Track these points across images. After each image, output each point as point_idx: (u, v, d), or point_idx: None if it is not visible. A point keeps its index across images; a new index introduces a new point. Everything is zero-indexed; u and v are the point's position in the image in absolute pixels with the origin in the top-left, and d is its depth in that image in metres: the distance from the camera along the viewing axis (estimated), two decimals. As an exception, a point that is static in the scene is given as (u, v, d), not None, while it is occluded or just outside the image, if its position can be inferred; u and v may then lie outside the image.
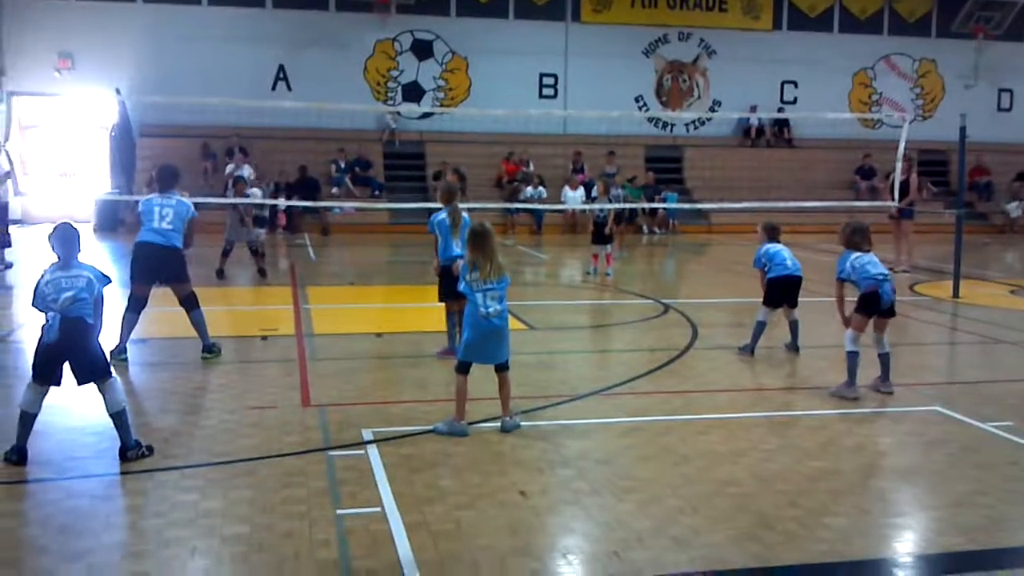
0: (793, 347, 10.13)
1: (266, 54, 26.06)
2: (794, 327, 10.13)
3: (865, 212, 24.29)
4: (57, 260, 6.43)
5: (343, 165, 25.64)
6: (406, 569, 4.78)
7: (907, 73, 30.78)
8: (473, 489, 5.88)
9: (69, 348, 6.23)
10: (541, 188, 25.75)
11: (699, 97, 29.42)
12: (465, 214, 9.37)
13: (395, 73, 27.45)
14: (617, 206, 17.07)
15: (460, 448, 6.68)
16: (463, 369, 7.11)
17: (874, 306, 8.30)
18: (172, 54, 25.09)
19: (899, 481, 6.31)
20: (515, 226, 24.99)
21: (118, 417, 6.34)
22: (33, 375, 6.35)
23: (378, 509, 5.51)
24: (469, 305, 7.17)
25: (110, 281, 6.63)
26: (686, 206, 24.58)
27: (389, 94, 27.40)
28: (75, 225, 6.71)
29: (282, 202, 21.76)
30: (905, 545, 5.33)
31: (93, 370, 6.35)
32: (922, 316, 12.95)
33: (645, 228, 25.71)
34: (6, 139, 14.05)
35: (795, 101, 29.49)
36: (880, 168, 27.37)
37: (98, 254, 19.71)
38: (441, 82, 27.68)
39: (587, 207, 18.07)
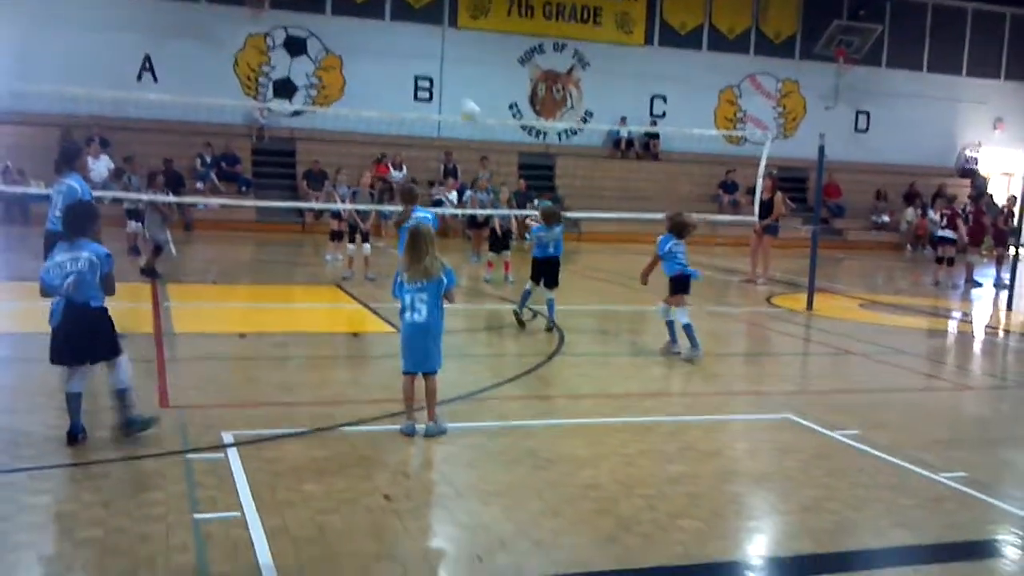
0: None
1: (132, 43, 25.21)
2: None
3: (727, 226, 25.20)
4: (66, 239, 6.52)
5: (209, 160, 25.03)
6: (266, 575, 4.70)
7: (771, 92, 31.92)
8: (337, 494, 5.82)
9: (75, 331, 6.39)
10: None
11: (572, 107, 29.85)
12: (427, 214, 9.69)
13: (267, 69, 26.96)
14: (510, 212, 17.29)
15: (324, 452, 6.61)
16: (406, 372, 7.19)
17: (682, 286, 10.47)
18: (31, 38, 24.02)
19: (752, 486, 6.54)
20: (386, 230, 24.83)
21: (122, 395, 6.56)
22: (53, 360, 6.48)
23: (238, 514, 5.40)
24: (400, 308, 7.23)
25: (112, 259, 6.63)
26: (501, 212, 24.83)
27: (260, 89, 26.89)
28: (92, 204, 7.00)
29: (150, 197, 21.09)
30: (757, 548, 5.52)
31: (103, 350, 6.54)
32: (777, 327, 13.44)
33: (515, 235, 25.86)
34: None
35: (664, 115, 30.23)
36: (743, 183, 28.30)
37: (-57, 244, 18.75)
38: (314, 80, 27.32)
39: (488, 212, 18.22)
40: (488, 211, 18.44)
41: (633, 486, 6.23)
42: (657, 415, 8.11)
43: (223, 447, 6.55)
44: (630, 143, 29.98)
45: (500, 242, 16.92)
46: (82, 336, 6.45)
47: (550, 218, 12.10)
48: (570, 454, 6.86)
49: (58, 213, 8.95)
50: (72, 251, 6.47)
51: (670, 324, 10.63)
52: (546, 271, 11.97)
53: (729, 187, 29.31)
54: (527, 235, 25.56)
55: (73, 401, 6.50)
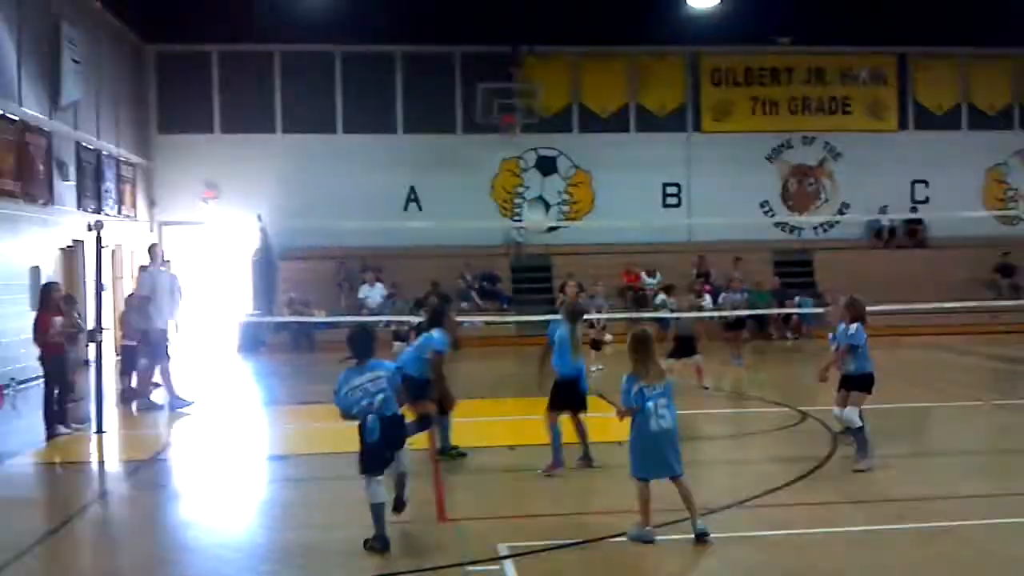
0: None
1: (398, 177, 26.99)
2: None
3: (1010, 311, 23.48)
4: (354, 363, 7.13)
5: (470, 279, 26.12)
6: None
7: (1043, 167, 29.82)
8: (613, 605, 5.80)
9: (392, 441, 7.08)
10: (669, 297, 25.48)
11: (827, 200, 29.07)
12: (563, 329, 9.89)
13: (520, 189, 28.07)
14: (699, 314, 16.54)
15: (598, 563, 6.62)
16: (643, 479, 7.16)
17: (868, 385, 9.45)
18: (309, 180, 26.24)
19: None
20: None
21: (403, 476, 7.37)
22: (368, 471, 7.01)
23: (518, 625, 5.49)
24: (639, 416, 7.15)
25: (401, 370, 7.57)
26: (818, 310, 24.04)
27: (515, 210, 27.98)
28: (368, 328, 7.96)
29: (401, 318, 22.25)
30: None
31: (399, 444, 7.23)
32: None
33: (775, 333, 25.21)
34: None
35: (927, 200, 28.84)
36: (1021, 265, 26.39)
37: (243, 373, 20.48)
38: (565, 196, 28.14)
39: (742, 313, 17.49)
40: (742, 311, 18.05)
41: (927, 597, 5.83)
42: (946, 520, 7.56)
43: (500, 559, 6.70)
44: (892, 232, 28.75)
45: (685, 348, 15.41)
46: (395, 442, 7.13)
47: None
48: (854, 564, 6.51)
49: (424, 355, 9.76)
50: (367, 372, 7.05)
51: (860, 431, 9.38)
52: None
53: (1006, 270, 27.38)
54: (789, 335, 24.90)
55: (379, 511, 6.95)
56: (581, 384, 9.83)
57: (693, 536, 6.95)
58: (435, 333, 9.95)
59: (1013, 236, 27.72)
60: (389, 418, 7.00)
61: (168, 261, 18.22)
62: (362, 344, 7.20)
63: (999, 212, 28.43)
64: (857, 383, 9.48)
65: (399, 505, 7.37)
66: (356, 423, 6.99)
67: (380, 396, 6.96)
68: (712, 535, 7.20)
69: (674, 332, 15.83)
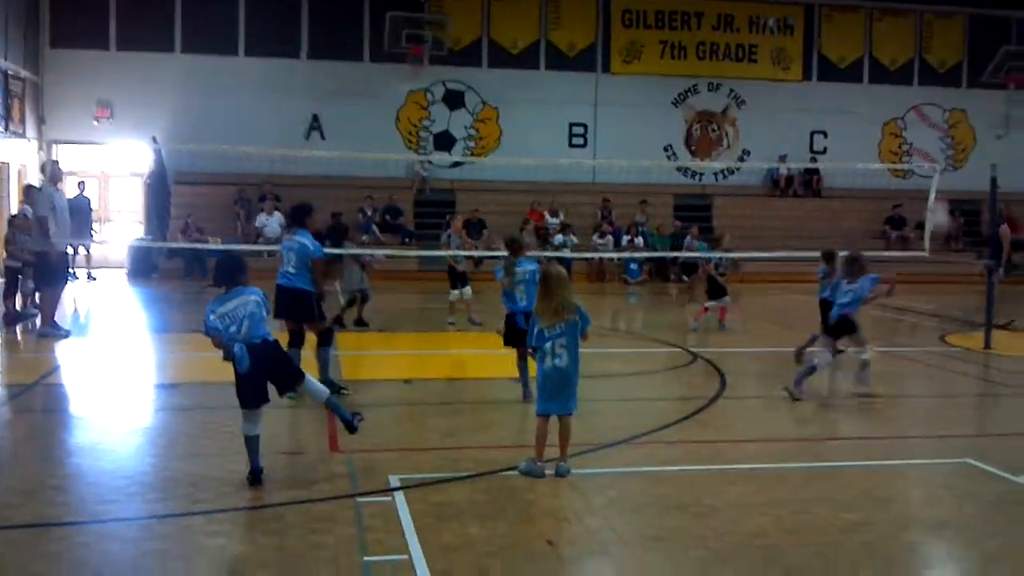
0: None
1: (300, 104, 26.41)
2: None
3: (896, 262, 24.26)
4: (223, 291, 6.86)
5: (371, 212, 25.83)
6: (432, 617, 4.77)
7: (937, 123, 30.73)
8: (500, 538, 5.87)
9: (264, 368, 6.75)
10: (572, 236, 25.75)
11: (728, 147, 29.49)
12: (531, 265, 9.63)
13: (427, 123, 27.75)
14: (698, 255, 16.80)
15: (487, 496, 6.68)
16: (540, 415, 7.24)
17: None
18: (208, 103, 25.47)
19: (931, 535, 6.24)
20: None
21: (331, 401, 7.24)
22: (242, 403, 6.82)
23: (405, 557, 5.52)
24: (540, 354, 7.25)
25: (267, 297, 7.08)
26: (714, 255, 24.45)
27: (420, 143, 27.68)
28: (240, 256, 7.51)
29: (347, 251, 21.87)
30: (937, 600, 5.26)
31: (290, 378, 7.03)
32: (953, 367, 12.83)
33: (673, 276, 25.64)
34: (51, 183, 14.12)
35: (825, 151, 29.49)
36: (910, 218, 27.27)
37: (132, 300, 19.96)
38: (472, 131, 27.93)
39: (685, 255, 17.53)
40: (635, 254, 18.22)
41: (803, 534, 6.04)
42: (827, 460, 7.85)
43: (390, 491, 6.71)
44: (790, 181, 29.37)
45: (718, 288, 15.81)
46: (273, 370, 6.86)
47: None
48: (735, 501, 6.71)
49: (291, 269, 9.51)
50: (233, 298, 6.80)
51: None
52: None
53: (896, 222, 28.27)
54: (684, 278, 25.36)
55: (254, 443, 6.83)
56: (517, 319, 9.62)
57: (554, 471, 7.07)
58: (304, 240, 9.58)
59: (905, 189, 28.58)
60: (259, 344, 6.73)
61: (78, 182, 17.50)
62: (228, 271, 6.94)
63: (893, 165, 29.24)
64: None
65: (350, 426, 7.16)
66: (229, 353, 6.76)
67: (246, 322, 6.71)
68: (596, 470, 7.37)
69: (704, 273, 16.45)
